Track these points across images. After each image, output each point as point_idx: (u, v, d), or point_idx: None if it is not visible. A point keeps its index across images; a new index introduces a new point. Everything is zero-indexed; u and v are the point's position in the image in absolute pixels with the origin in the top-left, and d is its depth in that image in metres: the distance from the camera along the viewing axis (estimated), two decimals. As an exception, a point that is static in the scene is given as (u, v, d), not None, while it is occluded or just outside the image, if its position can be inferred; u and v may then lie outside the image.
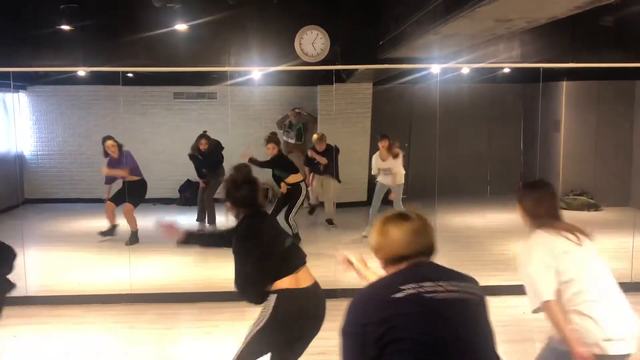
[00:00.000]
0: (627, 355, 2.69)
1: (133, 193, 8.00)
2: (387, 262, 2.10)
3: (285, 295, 3.18)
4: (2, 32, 7.21)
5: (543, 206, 2.93)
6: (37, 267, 7.07)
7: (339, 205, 9.20)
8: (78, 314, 5.60)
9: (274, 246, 3.29)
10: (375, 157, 8.41)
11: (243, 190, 3.35)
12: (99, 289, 6.22)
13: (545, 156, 10.74)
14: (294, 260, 3.29)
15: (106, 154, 8.16)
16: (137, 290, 5.98)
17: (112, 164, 8.11)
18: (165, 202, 10.98)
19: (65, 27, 6.90)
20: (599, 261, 2.85)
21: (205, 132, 9.19)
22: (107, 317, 5.54)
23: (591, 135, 10.56)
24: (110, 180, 8.35)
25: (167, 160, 11.13)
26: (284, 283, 3.19)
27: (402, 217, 2.12)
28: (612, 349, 2.63)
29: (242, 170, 3.48)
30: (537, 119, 10.69)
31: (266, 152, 7.94)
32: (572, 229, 2.86)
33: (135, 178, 8.13)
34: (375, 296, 1.96)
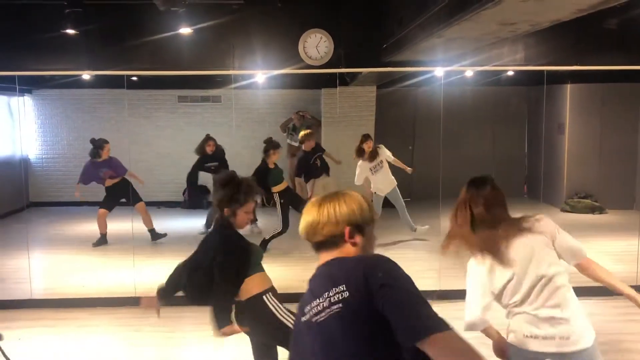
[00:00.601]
0: (557, 354, 2.65)
1: (129, 192, 8.10)
2: None
3: None
4: (8, 37, 7.25)
5: (492, 210, 2.77)
6: (41, 270, 7.09)
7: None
8: (83, 317, 5.62)
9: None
10: (361, 164, 8.04)
11: (222, 192, 3.29)
12: (104, 292, 6.24)
13: (550, 159, 10.72)
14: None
15: (95, 155, 8.18)
16: (141, 293, 5.97)
17: (98, 165, 8.18)
18: (169, 205, 10.99)
19: (70, 31, 6.93)
20: (540, 263, 2.67)
21: (208, 135, 9.18)
22: (112, 320, 5.55)
23: (595, 138, 10.54)
24: (91, 179, 8.37)
25: (171, 164, 11.15)
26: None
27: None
28: (533, 346, 2.66)
29: (225, 174, 3.46)
30: (542, 121, 10.67)
31: (272, 159, 7.71)
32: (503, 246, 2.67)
33: (118, 179, 8.27)
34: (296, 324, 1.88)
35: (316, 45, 7.23)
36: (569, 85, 10.42)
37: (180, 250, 8.03)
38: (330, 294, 1.71)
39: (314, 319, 1.74)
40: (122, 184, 8.26)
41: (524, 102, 11.85)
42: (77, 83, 10.01)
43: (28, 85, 10.89)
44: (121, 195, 8.22)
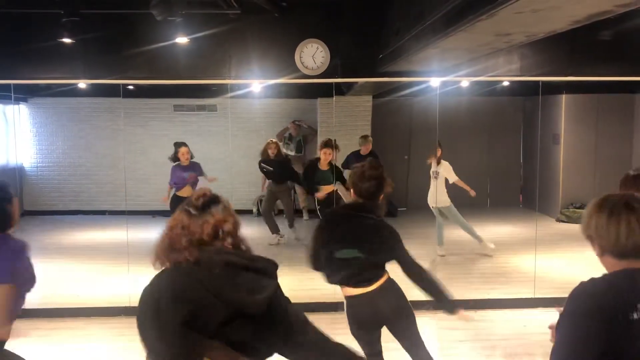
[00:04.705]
0: None
1: None
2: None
3: None
4: (4, 45, 7.25)
5: None
6: (36, 280, 7.05)
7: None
8: (77, 327, 5.58)
9: None
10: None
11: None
12: (99, 301, 6.20)
13: (545, 169, 10.75)
14: None
15: (176, 159, 7.92)
16: (136, 302, 5.95)
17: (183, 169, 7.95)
18: (165, 214, 10.94)
19: (67, 40, 6.93)
20: None
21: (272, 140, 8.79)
22: (107, 330, 5.52)
23: (591, 148, 10.58)
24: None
25: (167, 173, 11.11)
26: None
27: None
28: None
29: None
30: (537, 131, 10.70)
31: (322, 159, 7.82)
32: None
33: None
34: (607, 308, 1.70)
35: (312, 55, 7.25)
36: (564, 96, 10.48)
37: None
38: None
39: None
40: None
41: (519, 112, 11.90)
42: (73, 92, 10.01)
43: (24, 94, 10.87)
44: None
